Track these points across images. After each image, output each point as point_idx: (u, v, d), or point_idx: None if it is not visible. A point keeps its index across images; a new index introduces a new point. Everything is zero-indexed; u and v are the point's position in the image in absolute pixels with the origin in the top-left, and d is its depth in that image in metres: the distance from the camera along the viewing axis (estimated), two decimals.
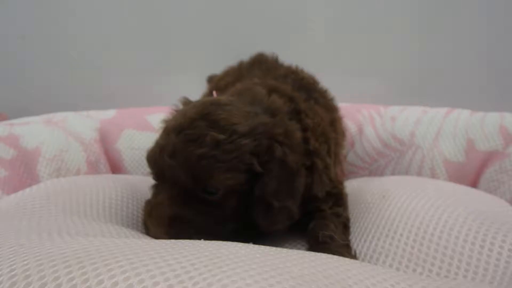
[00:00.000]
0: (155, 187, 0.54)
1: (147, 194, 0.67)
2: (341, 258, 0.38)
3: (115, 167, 0.89)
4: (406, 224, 0.52)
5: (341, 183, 0.63)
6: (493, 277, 0.42)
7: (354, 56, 1.28)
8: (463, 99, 1.19)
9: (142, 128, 0.93)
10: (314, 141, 0.56)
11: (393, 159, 0.92)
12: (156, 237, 0.48)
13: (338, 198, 0.60)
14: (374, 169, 0.95)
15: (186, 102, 0.58)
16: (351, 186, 0.74)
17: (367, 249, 0.53)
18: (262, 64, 0.75)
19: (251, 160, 0.48)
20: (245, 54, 0.84)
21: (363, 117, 0.98)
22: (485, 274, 0.42)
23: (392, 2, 1.23)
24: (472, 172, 0.79)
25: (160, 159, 0.49)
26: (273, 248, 0.40)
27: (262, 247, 0.40)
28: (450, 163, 0.82)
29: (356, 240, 0.56)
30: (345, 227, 0.58)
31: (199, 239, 0.43)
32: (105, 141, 0.88)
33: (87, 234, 0.41)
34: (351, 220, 0.61)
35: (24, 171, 0.68)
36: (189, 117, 0.49)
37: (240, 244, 0.40)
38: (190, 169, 0.47)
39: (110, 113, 0.95)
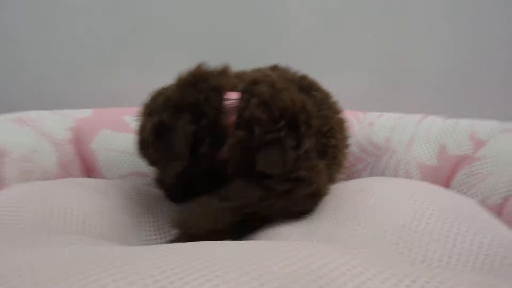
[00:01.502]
0: None
1: (124, 201, 0.65)
2: (322, 249, 0.38)
3: (89, 169, 0.86)
4: (386, 213, 0.52)
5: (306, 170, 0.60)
6: (467, 263, 0.43)
7: (334, 55, 1.28)
8: (439, 100, 1.23)
9: (119, 129, 0.90)
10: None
11: (369, 163, 0.94)
12: None
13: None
14: (351, 173, 0.97)
15: None
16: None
17: (347, 236, 0.52)
18: (280, 71, 0.76)
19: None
20: (228, 52, 0.82)
21: None
22: (459, 260, 0.44)
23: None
24: (444, 176, 0.82)
25: None
26: (251, 243, 0.40)
27: (239, 243, 0.40)
28: (424, 167, 0.84)
29: (336, 228, 0.55)
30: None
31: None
32: (80, 141, 0.85)
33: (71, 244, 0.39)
34: (329, 212, 0.60)
35: None
36: None
37: (218, 243, 0.40)
38: None
39: (87, 113, 0.92)
